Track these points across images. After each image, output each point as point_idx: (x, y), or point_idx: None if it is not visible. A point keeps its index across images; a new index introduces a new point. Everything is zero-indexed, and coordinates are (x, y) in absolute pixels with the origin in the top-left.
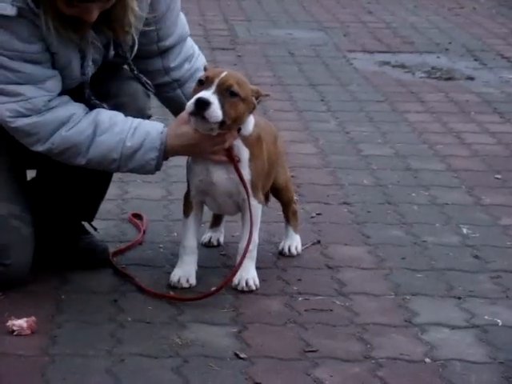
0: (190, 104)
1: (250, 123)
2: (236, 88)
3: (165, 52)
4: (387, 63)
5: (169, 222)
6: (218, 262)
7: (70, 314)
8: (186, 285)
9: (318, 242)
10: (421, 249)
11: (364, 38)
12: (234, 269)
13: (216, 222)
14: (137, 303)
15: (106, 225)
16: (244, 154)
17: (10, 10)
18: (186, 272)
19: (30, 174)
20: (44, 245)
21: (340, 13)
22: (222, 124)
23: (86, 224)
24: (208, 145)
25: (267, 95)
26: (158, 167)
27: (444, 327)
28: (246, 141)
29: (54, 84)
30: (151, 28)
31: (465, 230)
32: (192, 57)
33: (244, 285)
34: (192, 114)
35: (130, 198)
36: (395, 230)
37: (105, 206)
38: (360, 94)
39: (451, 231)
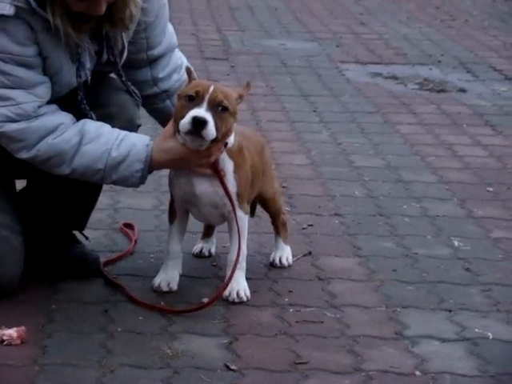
0: (185, 123)
1: (233, 134)
2: (226, 103)
3: (153, 62)
4: (379, 74)
5: (160, 231)
6: (210, 272)
7: (60, 323)
8: (165, 288)
9: (310, 253)
10: (412, 261)
11: (356, 49)
12: (225, 283)
13: (207, 232)
14: (127, 313)
15: (97, 234)
16: (228, 165)
17: (9, 10)
18: (168, 276)
19: (20, 184)
20: (35, 254)
21: (333, 24)
22: (213, 140)
23: (77, 233)
24: (194, 159)
25: (249, 87)
26: (142, 180)
27: (435, 340)
28: (230, 152)
29: (44, 90)
30: (141, 36)
31: (456, 243)
32: (180, 68)
33: (235, 296)
34: (188, 132)
35: (121, 207)
36: (386, 242)
37: (96, 216)
38: (352, 105)
39: (442, 243)
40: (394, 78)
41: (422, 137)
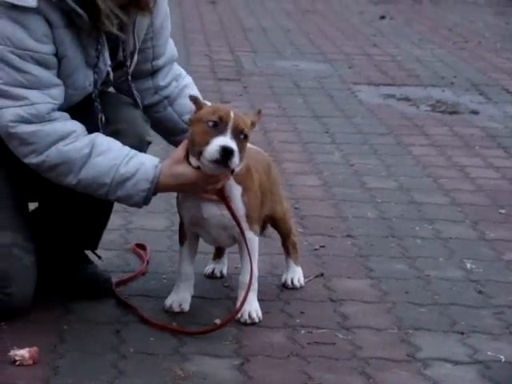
0: (212, 151)
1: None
2: (246, 130)
3: (155, 72)
4: (392, 96)
5: (172, 252)
6: (222, 293)
7: (72, 344)
8: (177, 309)
9: (322, 274)
10: (424, 283)
11: (369, 71)
12: (238, 306)
13: (219, 253)
14: (139, 334)
15: (109, 255)
16: (236, 190)
17: (32, 1)
18: (179, 297)
19: (32, 205)
20: (47, 274)
21: (345, 45)
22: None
23: (89, 253)
24: (202, 185)
25: (260, 115)
26: (146, 200)
27: (447, 362)
28: (237, 177)
29: (59, 93)
30: (147, 45)
31: (468, 265)
32: (179, 76)
33: (247, 317)
34: (215, 161)
35: (133, 228)
36: (399, 264)
37: (108, 236)
38: (364, 127)
39: (455, 266)
40: (407, 99)
41: (434, 158)
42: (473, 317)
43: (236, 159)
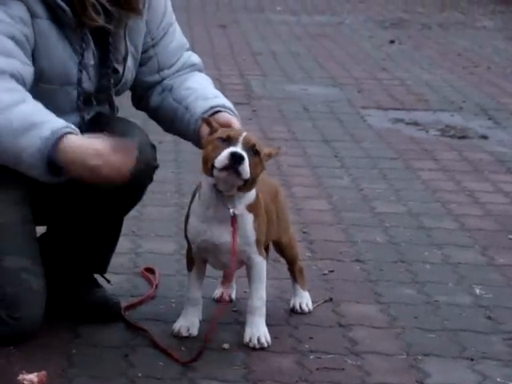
0: (222, 158)
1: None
2: (258, 147)
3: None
4: (401, 120)
5: (181, 276)
6: (230, 317)
7: (81, 368)
8: (185, 334)
9: (330, 299)
10: (433, 308)
11: (378, 95)
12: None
13: (228, 277)
14: (148, 358)
15: (118, 279)
16: (248, 219)
17: None
18: (188, 322)
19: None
20: (55, 298)
21: (354, 69)
22: (244, 183)
23: (98, 277)
24: (106, 159)
25: (278, 152)
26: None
27: None
28: (249, 206)
29: (16, 64)
30: (150, 54)
31: (478, 291)
32: (188, 66)
33: (256, 342)
34: (225, 168)
35: (142, 251)
36: (408, 289)
37: (117, 260)
38: (373, 151)
39: (464, 291)
40: (416, 124)
41: (443, 183)
42: (482, 343)
43: (246, 167)
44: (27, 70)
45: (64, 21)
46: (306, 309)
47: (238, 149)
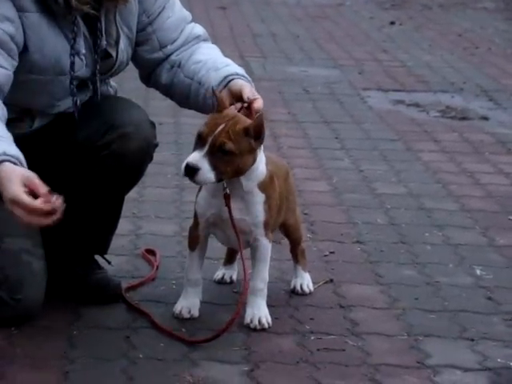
0: (182, 167)
1: (261, 165)
2: (228, 146)
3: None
4: (401, 102)
5: (182, 258)
6: (231, 299)
7: (82, 349)
8: (187, 315)
9: (331, 280)
10: (434, 289)
11: (379, 77)
12: (238, 308)
13: (230, 259)
14: (149, 340)
15: (118, 260)
16: (259, 198)
17: None
18: (189, 303)
19: None
20: (56, 279)
21: (355, 51)
22: (220, 179)
23: (99, 258)
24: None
25: (259, 119)
26: None
27: (457, 369)
28: (262, 184)
29: None
30: (148, 31)
31: (478, 271)
32: (192, 39)
33: (257, 323)
34: (184, 176)
35: (143, 233)
36: (408, 270)
37: (118, 242)
38: (374, 133)
39: (464, 272)
40: (416, 105)
41: (443, 164)
42: (482, 323)
43: (201, 176)
44: (2, 73)
45: (54, 9)
46: (307, 290)
47: (197, 156)
